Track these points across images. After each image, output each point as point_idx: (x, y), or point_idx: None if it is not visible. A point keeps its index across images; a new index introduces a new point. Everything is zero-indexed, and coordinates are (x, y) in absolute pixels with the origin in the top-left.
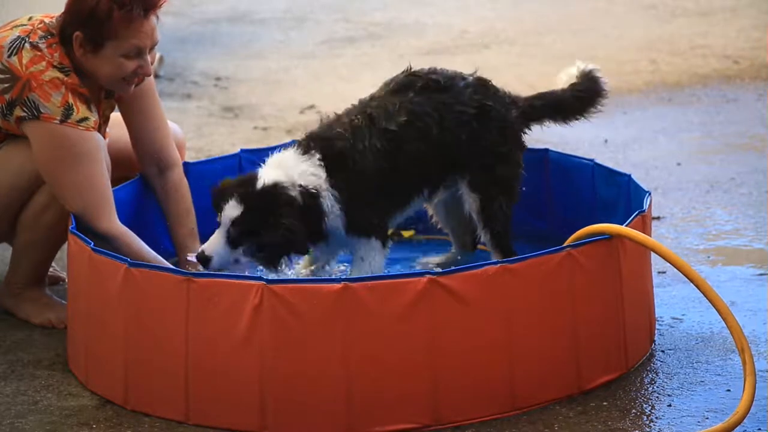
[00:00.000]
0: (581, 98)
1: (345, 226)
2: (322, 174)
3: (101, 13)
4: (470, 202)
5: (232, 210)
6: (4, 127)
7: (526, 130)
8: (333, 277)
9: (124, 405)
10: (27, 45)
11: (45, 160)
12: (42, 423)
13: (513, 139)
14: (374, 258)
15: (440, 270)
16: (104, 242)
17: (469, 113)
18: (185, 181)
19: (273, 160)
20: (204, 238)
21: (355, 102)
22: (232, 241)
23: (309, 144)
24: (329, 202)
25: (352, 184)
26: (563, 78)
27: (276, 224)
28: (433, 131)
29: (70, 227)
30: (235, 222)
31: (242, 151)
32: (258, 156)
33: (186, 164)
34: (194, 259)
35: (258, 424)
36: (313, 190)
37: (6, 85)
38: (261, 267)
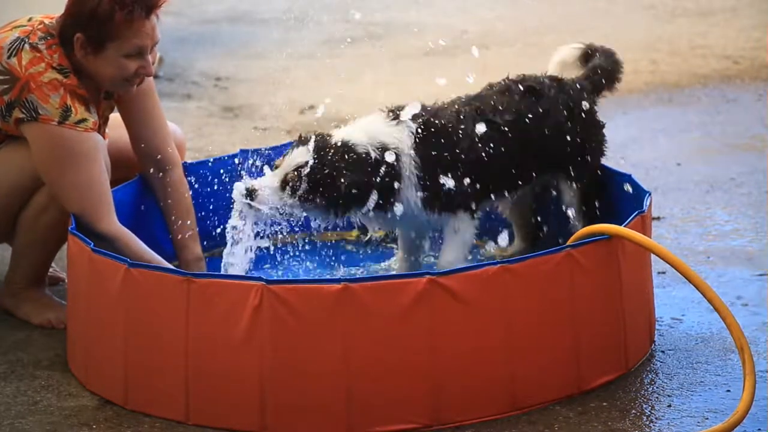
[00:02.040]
0: (608, 71)
1: (422, 200)
2: (409, 141)
3: (102, 14)
4: (571, 195)
5: (299, 155)
6: (3, 128)
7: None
8: (335, 277)
9: (124, 405)
10: (26, 46)
11: (43, 162)
12: (42, 423)
13: (599, 126)
14: (466, 230)
15: (502, 260)
16: (104, 243)
17: (563, 116)
18: (185, 181)
19: (358, 122)
20: (203, 238)
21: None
22: (289, 184)
23: (403, 114)
24: (409, 168)
25: (440, 158)
26: (555, 63)
27: (339, 179)
28: (534, 133)
29: (69, 228)
30: (298, 167)
31: (242, 151)
32: (258, 156)
33: (186, 164)
34: (241, 191)
35: (258, 424)
36: (394, 150)
37: (5, 86)
38: (313, 218)
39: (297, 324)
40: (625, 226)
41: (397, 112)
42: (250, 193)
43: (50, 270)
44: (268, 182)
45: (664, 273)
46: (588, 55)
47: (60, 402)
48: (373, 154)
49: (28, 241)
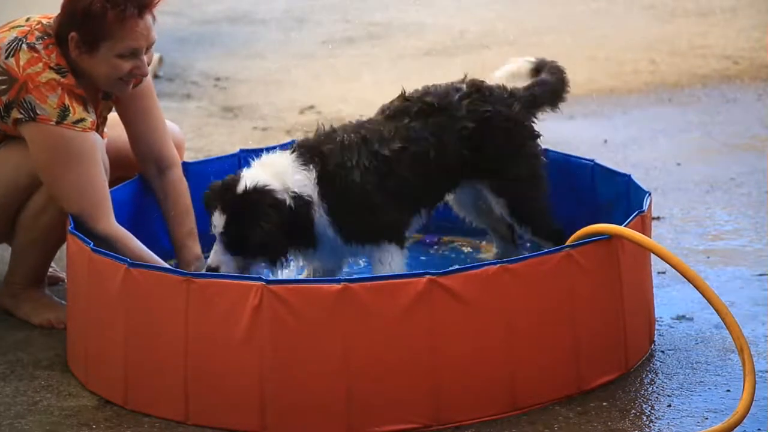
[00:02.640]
0: (552, 86)
1: (342, 235)
2: (313, 186)
3: (95, 13)
4: (498, 207)
5: (217, 219)
6: (2, 128)
7: (534, 120)
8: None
9: (124, 405)
10: (24, 46)
11: (42, 162)
12: (42, 423)
13: (521, 135)
14: (392, 259)
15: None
16: (103, 244)
17: (469, 127)
18: (184, 180)
19: (263, 162)
20: (203, 238)
21: (355, 102)
22: (230, 248)
23: (306, 153)
24: (319, 211)
25: (340, 197)
26: (507, 73)
27: (254, 227)
28: (431, 154)
29: (69, 228)
30: (223, 231)
31: (242, 151)
32: (258, 156)
33: (185, 164)
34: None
35: (258, 424)
36: (307, 198)
37: (3, 87)
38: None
39: (297, 324)
40: (625, 226)
41: (304, 153)
42: (215, 271)
43: (50, 270)
44: (218, 254)
45: (664, 273)
46: (538, 70)
47: (60, 402)
48: (287, 202)
49: (28, 241)
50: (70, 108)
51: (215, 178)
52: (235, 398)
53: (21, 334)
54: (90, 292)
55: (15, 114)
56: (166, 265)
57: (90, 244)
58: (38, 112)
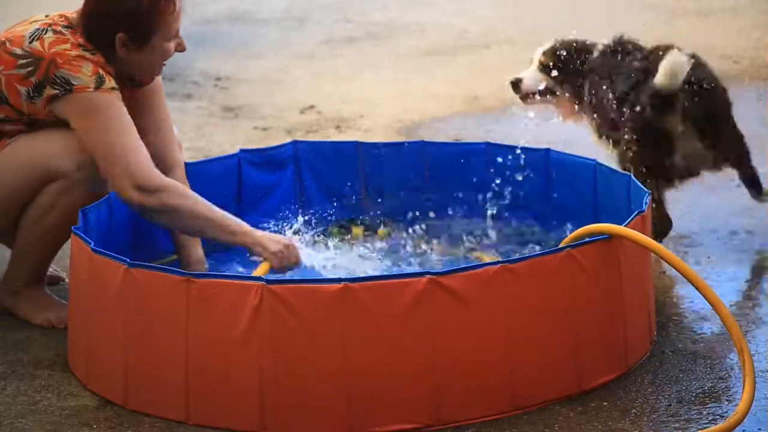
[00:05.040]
0: None
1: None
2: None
3: (144, 11)
4: None
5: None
6: (27, 111)
7: None
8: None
9: (124, 405)
10: (49, 31)
11: (87, 131)
12: (42, 423)
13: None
14: None
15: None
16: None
17: None
18: (187, 182)
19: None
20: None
21: (356, 102)
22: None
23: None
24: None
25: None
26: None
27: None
28: None
29: (73, 227)
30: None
31: (242, 151)
32: (258, 156)
33: (185, 164)
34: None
35: (258, 424)
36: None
37: (30, 68)
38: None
39: (297, 324)
40: (624, 226)
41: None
42: (515, 84)
43: (50, 270)
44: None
45: (664, 273)
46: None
47: (60, 402)
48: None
49: (31, 240)
50: (105, 77)
51: (215, 178)
52: (235, 398)
53: (21, 334)
54: (90, 292)
55: (49, 91)
56: (239, 221)
57: (91, 243)
58: (74, 83)
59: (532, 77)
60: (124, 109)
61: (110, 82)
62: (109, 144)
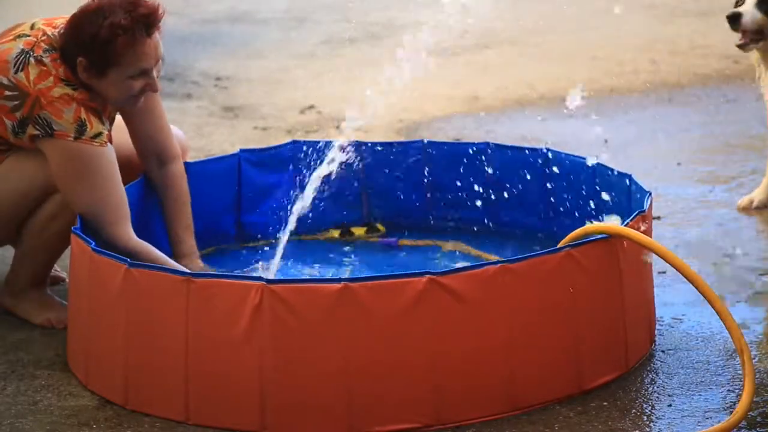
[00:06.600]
0: None
1: None
2: None
3: (103, 40)
4: None
5: None
6: (16, 144)
7: None
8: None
9: (124, 405)
10: (32, 60)
11: (62, 176)
12: (42, 423)
13: None
14: None
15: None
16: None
17: None
18: (185, 175)
19: None
20: (199, 236)
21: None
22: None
23: None
24: None
25: None
26: None
27: None
28: None
29: (73, 227)
30: None
31: (242, 151)
32: (258, 156)
33: (185, 164)
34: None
35: (258, 424)
36: None
37: (15, 102)
38: None
39: (297, 324)
40: (624, 226)
41: None
42: (734, 17)
43: (51, 270)
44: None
45: (664, 273)
46: None
47: (60, 402)
48: None
49: (34, 246)
50: (87, 122)
51: (215, 178)
52: (235, 398)
53: (21, 334)
54: (91, 292)
55: (31, 130)
56: (182, 268)
57: (91, 243)
58: (55, 128)
59: (752, 12)
60: (105, 158)
61: (92, 128)
62: (80, 194)
